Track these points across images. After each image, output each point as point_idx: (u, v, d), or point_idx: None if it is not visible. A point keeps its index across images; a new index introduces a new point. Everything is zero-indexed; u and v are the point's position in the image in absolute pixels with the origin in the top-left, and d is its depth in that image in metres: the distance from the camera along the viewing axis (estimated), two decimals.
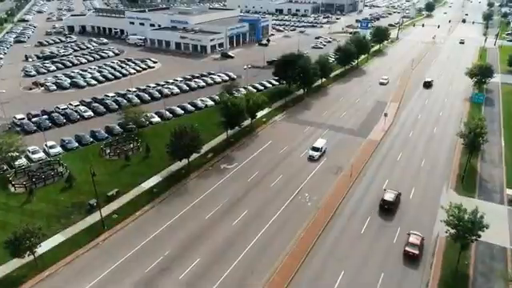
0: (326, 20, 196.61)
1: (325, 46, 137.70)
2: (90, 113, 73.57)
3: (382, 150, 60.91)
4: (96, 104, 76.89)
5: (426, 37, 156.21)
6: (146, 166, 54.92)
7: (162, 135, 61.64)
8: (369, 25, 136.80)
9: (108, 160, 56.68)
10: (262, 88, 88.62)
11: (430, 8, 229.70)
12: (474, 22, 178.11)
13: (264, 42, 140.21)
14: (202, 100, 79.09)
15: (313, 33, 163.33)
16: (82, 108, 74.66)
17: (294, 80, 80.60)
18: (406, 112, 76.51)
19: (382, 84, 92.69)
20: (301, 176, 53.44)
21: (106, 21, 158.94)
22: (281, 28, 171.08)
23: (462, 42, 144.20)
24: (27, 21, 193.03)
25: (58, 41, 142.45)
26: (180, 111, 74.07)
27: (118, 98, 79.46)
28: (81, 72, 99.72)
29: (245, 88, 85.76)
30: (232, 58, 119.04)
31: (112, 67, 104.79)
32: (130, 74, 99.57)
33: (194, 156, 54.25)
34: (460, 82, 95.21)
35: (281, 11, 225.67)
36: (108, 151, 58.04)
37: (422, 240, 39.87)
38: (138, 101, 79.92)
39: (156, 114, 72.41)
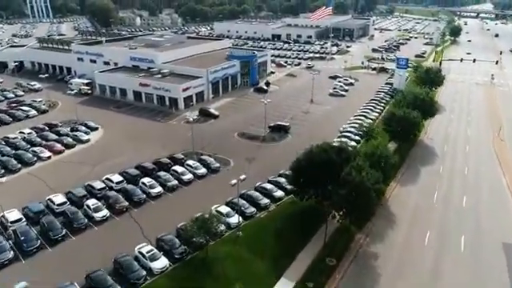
0: (335, 49, 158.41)
1: (347, 91, 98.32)
2: None
3: None
4: None
5: (476, 74, 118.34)
6: None
7: None
8: (408, 63, 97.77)
9: None
10: (267, 202, 47.12)
11: (455, 33, 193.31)
12: None
13: (262, 85, 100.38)
14: (149, 257, 37.21)
15: (324, 68, 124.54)
16: None
17: (333, 205, 39.27)
18: None
19: None
20: None
21: (49, 56, 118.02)
22: (282, 62, 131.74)
23: None
24: None
25: None
26: None
27: None
28: None
29: (232, 206, 44.57)
30: (216, 117, 78.48)
31: (13, 145, 62.92)
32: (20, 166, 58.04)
33: None
34: None
35: (278, 37, 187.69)
36: None
37: None
38: (10, 255, 38.04)
39: None
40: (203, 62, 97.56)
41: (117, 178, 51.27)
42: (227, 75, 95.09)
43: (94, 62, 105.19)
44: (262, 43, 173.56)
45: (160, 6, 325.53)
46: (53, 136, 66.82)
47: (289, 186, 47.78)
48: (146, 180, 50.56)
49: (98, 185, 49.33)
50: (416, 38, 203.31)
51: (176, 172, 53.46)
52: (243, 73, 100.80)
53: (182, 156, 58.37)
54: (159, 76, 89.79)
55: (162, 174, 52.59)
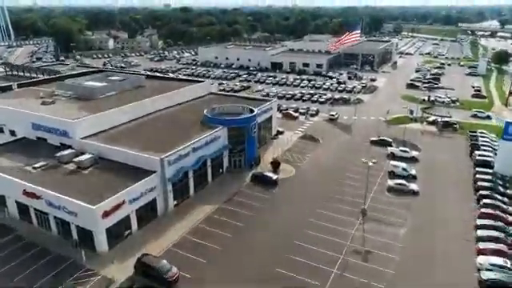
0: (358, 85, 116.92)
1: (415, 178, 55.92)
2: None
3: None
4: None
5: None
6: None
7: None
8: None
9: None
10: None
11: (501, 60, 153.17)
12: None
13: (266, 171, 57.37)
14: None
15: (354, 121, 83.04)
16: None
17: None
18: None
19: None
20: None
21: None
22: (291, 110, 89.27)
23: None
24: None
25: None
26: None
27: None
28: None
29: None
30: (170, 284, 34.91)
31: None
32: None
33: None
34: None
35: (280, 67, 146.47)
36: None
37: None
38: None
39: None
40: (162, 132, 54.82)
41: None
42: (205, 158, 52.05)
43: None
44: (258, 75, 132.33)
45: (143, 26, 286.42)
46: None
47: None
48: None
49: None
50: (449, 65, 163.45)
51: None
52: (233, 146, 57.90)
53: None
54: (72, 168, 46.62)
55: None
